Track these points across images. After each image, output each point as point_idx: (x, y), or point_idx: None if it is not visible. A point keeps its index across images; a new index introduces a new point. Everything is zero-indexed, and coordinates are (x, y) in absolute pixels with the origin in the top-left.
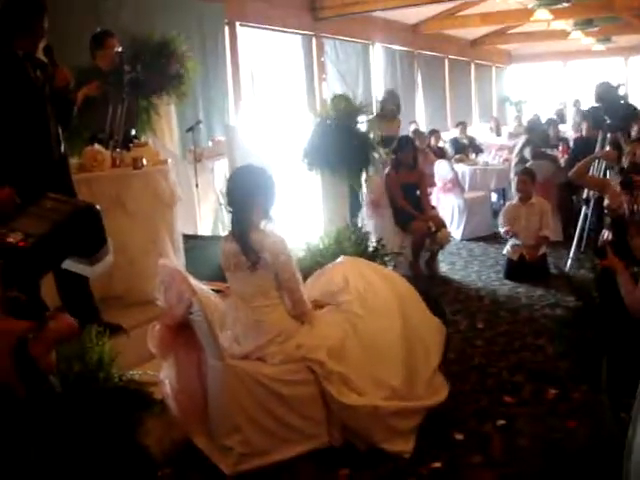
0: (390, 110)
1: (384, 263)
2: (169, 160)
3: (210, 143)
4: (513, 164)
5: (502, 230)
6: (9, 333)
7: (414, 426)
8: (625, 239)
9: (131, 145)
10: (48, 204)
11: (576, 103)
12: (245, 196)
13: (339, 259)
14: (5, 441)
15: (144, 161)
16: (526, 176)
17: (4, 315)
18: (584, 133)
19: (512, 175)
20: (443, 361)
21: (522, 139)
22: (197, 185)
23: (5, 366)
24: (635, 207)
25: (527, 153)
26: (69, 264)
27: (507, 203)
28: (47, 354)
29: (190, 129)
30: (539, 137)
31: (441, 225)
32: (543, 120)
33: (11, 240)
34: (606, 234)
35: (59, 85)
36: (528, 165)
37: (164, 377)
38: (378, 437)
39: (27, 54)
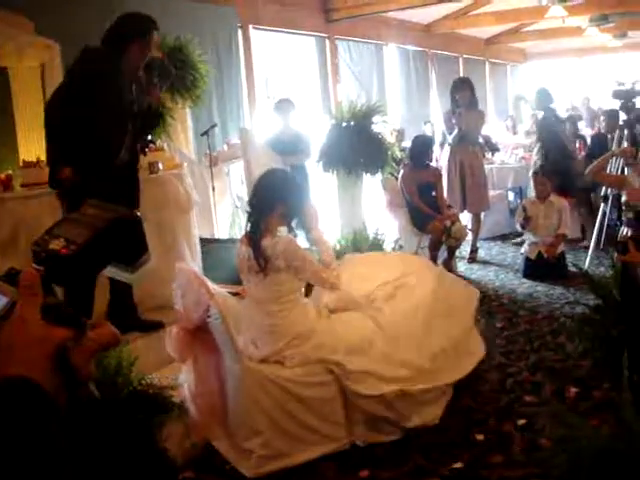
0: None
1: None
2: (185, 164)
3: (225, 146)
4: (532, 162)
5: (517, 225)
6: (48, 341)
7: (442, 400)
8: None
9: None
10: (90, 211)
11: (585, 101)
12: (265, 200)
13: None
14: (46, 449)
15: (160, 165)
16: (543, 176)
17: (44, 322)
18: (602, 129)
19: (531, 173)
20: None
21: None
22: (213, 189)
23: (45, 374)
24: None
25: None
26: (110, 271)
27: (524, 200)
28: (87, 363)
29: (205, 133)
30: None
31: (456, 220)
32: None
33: (54, 247)
34: (625, 230)
35: (151, 102)
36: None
37: (183, 381)
38: (405, 416)
39: (130, 66)
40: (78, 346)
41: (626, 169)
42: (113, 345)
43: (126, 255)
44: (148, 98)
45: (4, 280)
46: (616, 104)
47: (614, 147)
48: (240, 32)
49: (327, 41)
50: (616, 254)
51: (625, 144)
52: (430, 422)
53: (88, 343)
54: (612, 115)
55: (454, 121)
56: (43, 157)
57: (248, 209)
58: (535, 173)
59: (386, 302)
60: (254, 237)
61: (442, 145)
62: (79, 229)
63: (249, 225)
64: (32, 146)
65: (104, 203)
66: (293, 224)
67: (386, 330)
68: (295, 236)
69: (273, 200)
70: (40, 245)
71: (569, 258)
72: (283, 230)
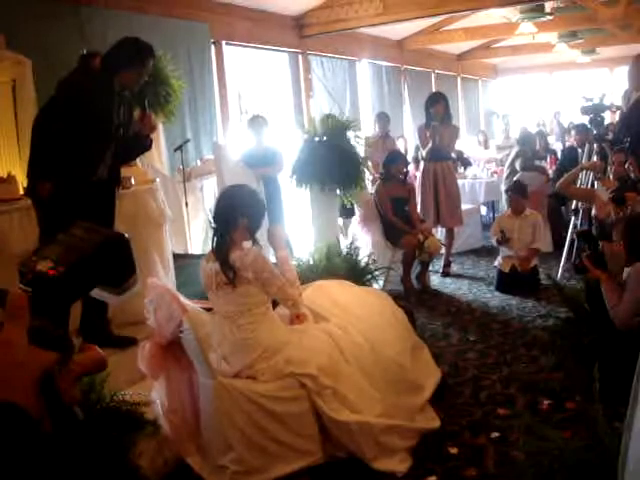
0: None
1: (374, 278)
2: (157, 179)
3: (199, 162)
4: (504, 176)
5: (493, 239)
6: (34, 365)
7: (408, 446)
8: (598, 249)
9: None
10: (78, 232)
11: (556, 115)
12: (230, 215)
13: (317, 282)
14: (30, 473)
15: (132, 181)
16: (517, 193)
17: (30, 345)
18: (574, 143)
19: (503, 187)
20: (435, 401)
21: (514, 151)
22: (187, 204)
23: (31, 399)
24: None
25: (518, 165)
26: (97, 293)
27: (498, 214)
28: (72, 387)
29: (178, 148)
30: (531, 148)
31: (430, 235)
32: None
33: (41, 268)
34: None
35: (143, 130)
36: (518, 177)
37: (155, 397)
38: (370, 454)
39: (122, 89)
40: (64, 370)
41: (595, 183)
42: (100, 370)
43: (114, 277)
44: (139, 125)
45: None
46: (585, 119)
47: (584, 161)
48: (213, 48)
49: (300, 57)
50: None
51: (595, 158)
52: (398, 471)
53: (74, 367)
54: (582, 129)
55: (428, 135)
56: (14, 172)
57: (213, 225)
58: (507, 190)
59: (355, 327)
60: (221, 251)
61: (415, 160)
62: (67, 251)
63: (215, 240)
64: (3, 161)
65: (93, 225)
66: (261, 242)
67: (350, 356)
68: (260, 248)
69: (235, 214)
70: (27, 266)
71: (541, 271)
72: (248, 244)
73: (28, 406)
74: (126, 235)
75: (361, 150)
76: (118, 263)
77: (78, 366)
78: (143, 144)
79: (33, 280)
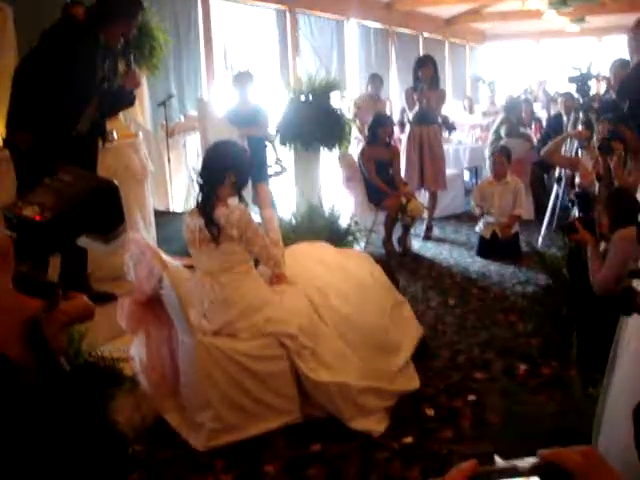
0: None
1: (356, 240)
2: (140, 134)
3: (182, 118)
4: (489, 142)
5: (475, 208)
6: (20, 311)
7: (386, 406)
8: (592, 215)
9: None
10: (66, 178)
11: (542, 83)
12: (216, 170)
13: (292, 247)
14: (14, 424)
15: (115, 135)
16: (503, 156)
17: (15, 291)
18: (562, 111)
19: (487, 153)
20: (416, 359)
21: (499, 117)
22: (169, 160)
23: (16, 346)
24: (609, 178)
25: (503, 131)
26: (84, 241)
27: (481, 180)
28: (58, 335)
29: (162, 103)
30: (516, 116)
31: (412, 197)
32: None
33: (27, 213)
34: (576, 212)
35: (127, 86)
36: (502, 143)
37: (134, 353)
38: (348, 414)
39: (107, 43)
40: (50, 317)
41: (580, 151)
42: (87, 318)
43: (102, 225)
44: (125, 80)
45: None
46: (572, 88)
47: (569, 129)
48: (200, 2)
49: (287, 14)
50: (565, 235)
51: (580, 127)
52: (375, 431)
53: (60, 315)
54: (569, 97)
55: (415, 97)
56: None
57: (199, 181)
58: (492, 153)
59: (334, 291)
60: (206, 208)
61: (400, 123)
62: (54, 196)
63: (200, 196)
64: None
65: (82, 170)
66: (248, 200)
67: (328, 320)
68: (246, 205)
69: (222, 170)
70: (12, 211)
71: (522, 238)
72: (234, 200)
73: (13, 353)
74: (115, 182)
75: (347, 111)
76: (107, 210)
77: (64, 314)
78: (127, 99)
79: (18, 225)
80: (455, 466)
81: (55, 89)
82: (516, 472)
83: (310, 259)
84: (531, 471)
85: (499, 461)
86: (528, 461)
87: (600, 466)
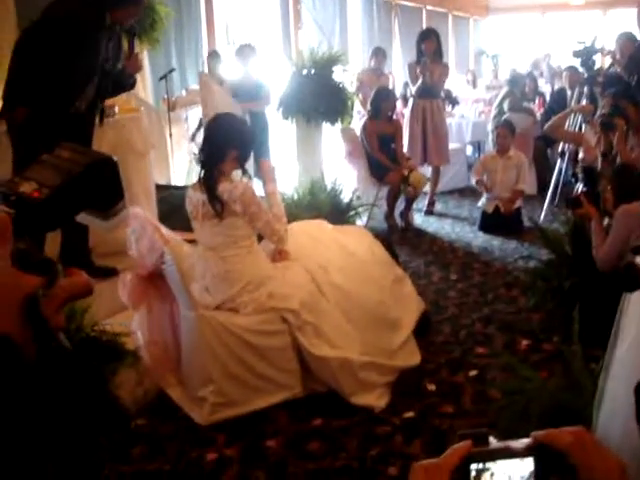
0: None
1: (358, 215)
2: (141, 108)
3: (184, 92)
4: (492, 116)
5: (473, 179)
6: (18, 289)
7: (387, 382)
8: (596, 191)
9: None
10: (65, 154)
11: (546, 57)
12: (219, 145)
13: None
14: (14, 402)
15: (116, 109)
16: (506, 129)
17: (13, 268)
18: (566, 85)
19: (490, 127)
20: (418, 334)
21: (503, 91)
22: (171, 134)
23: (14, 324)
24: (611, 153)
25: (506, 105)
26: (83, 217)
27: (483, 154)
28: (57, 312)
29: (163, 77)
30: (520, 90)
31: (414, 169)
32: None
33: (24, 190)
34: (580, 186)
35: (128, 70)
36: (506, 117)
37: (136, 328)
38: (349, 390)
39: (113, 24)
40: (49, 294)
41: (584, 126)
42: (85, 295)
43: (101, 201)
44: (126, 63)
45: None
46: (576, 62)
47: (573, 104)
48: None
49: None
50: (569, 209)
51: (584, 101)
52: (376, 406)
53: (59, 292)
54: (574, 71)
55: (418, 71)
56: None
57: (201, 156)
58: (496, 127)
59: (335, 267)
60: (209, 182)
61: (403, 97)
62: (52, 173)
63: (203, 172)
64: None
65: (80, 146)
66: (250, 171)
67: (330, 296)
68: (250, 178)
69: (224, 145)
70: (9, 187)
71: (524, 213)
72: (237, 173)
73: (12, 331)
74: (114, 157)
75: (349, 85)
76: (106, 186)
77: (63, 291)
78: (127, 82)
79: (16, 202)
80: (450, 446)
81: (56, 65)
82: (510, 453)
83: (309, 237)
84: (525, 452)
85: (493, 442)
86: (522, 442)
87: (591, 445)
